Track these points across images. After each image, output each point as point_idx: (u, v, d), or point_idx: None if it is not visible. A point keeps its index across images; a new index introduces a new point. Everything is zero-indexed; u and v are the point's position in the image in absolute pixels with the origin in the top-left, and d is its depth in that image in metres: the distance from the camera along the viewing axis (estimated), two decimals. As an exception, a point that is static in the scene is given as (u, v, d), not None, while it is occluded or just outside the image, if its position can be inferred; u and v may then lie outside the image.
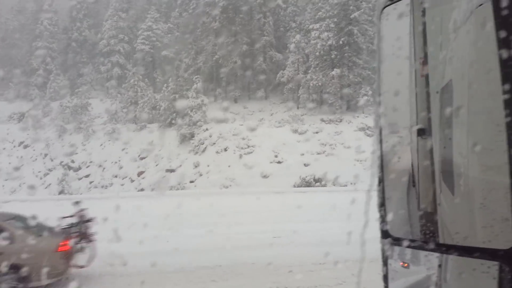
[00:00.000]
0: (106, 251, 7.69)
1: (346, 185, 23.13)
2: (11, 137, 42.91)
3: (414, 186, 1.29)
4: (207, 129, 36.79)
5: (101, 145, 41.03)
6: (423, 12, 1.10)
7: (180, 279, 7.51)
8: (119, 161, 38.90)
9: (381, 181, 1.02)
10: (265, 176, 30.50)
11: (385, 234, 0.91)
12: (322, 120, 37.09)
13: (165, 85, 40.86)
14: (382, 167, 1.04)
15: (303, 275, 7.30)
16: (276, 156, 32.56)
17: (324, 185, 24.82)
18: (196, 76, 39.60)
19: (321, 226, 10.49)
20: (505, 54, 0.72)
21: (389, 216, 0.93)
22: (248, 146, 34.05)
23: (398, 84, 1.20)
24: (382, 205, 0.96)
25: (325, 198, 15.85)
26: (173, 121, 38.15)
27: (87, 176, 38.65)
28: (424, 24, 1.11)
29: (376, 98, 1.13)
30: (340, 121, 36.64)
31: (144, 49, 49.68)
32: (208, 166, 33.81)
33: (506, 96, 0.72)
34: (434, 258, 0.86)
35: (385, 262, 0.92)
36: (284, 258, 8.25)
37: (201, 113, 37.20)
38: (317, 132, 34.94)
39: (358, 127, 35.21)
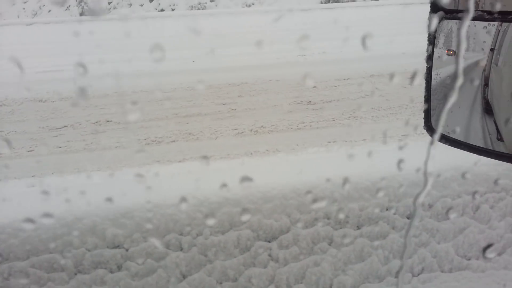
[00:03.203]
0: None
1: None
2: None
3: None
4: None
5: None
6: None
7: (209, 95, 7.95)
8: (134, -22, 36.53)
9: None
10: (290, -8, 28.43)
11: (434, 7, 0.75)
12: None
13: None
14: None
15: (326, 90, 7.56)
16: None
17: (354, 0, 23.22)
18: None
19: (347, 44, 10.29)
20: None
21: None
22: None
23: None
24: None
25: (353, 14, 15.07)
26: None
27: (104, -4, 37.11)
28: None
29: None
30: None
31: None
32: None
33: None
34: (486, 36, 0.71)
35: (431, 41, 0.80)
36: (308, 75, 8.43)
37: None
38: None
39: None
